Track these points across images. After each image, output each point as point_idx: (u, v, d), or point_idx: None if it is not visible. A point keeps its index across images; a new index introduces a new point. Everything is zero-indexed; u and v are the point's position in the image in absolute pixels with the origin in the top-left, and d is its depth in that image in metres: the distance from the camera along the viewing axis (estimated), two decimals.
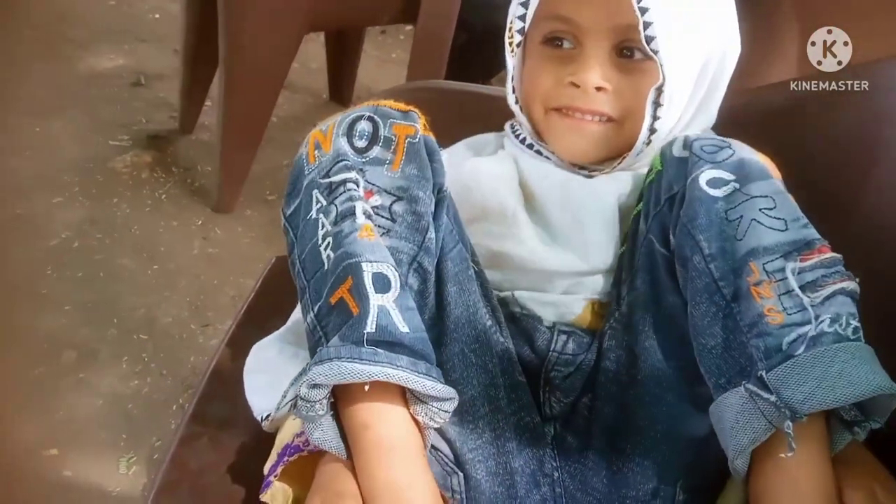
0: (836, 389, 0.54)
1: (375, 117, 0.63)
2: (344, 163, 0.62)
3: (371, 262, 0.58)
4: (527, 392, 0.68)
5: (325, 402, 0.57)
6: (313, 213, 0.62)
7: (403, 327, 0.57)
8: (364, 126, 0.63)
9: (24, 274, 1.55)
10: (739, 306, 0.59)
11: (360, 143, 0.63)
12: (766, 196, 0.61)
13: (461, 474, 0.65)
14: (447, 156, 0.82)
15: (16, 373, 1.36)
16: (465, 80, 1.09)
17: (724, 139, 0.65)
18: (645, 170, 0.73)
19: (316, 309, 0.59)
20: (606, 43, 0.70)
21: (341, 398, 0.59)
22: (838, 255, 0.59)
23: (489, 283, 0.69)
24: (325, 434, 0.58)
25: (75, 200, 1.76)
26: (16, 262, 1.58)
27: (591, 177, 0.74)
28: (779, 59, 1.02)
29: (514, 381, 0.68)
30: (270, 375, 0.70)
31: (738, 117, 0.75)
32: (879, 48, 0.83)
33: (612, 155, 0.74)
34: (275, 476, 0.63)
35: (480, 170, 0.75)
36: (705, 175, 0.62)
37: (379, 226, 0.61)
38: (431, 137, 0.65)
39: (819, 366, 0.54)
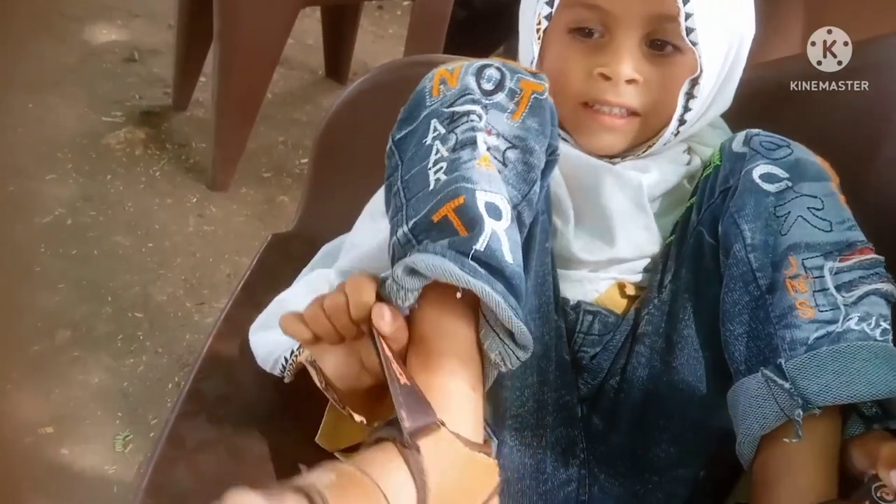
0: (853, 386, 0.54)
1: (504, 69, 0.63)
2: (470, 96, 0.61)
3: (486, 190, 0.57)
4: (570, 371, 0.68)
5: (414, 293, 0.55)
6: (428, 140, 0.61)
7: (509, 257, 0.56)
8: (493, 73, 0.63)
9: (17, 251, 1.54)
10: (773, 297, 0.59)
11: (488, 86, 0.62)
12: (815, 196, 0.61)
13: (496, 440, 0.64)
14: None
15: (10, 351, 1.34)
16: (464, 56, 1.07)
17: (785, 139, 0.65)
18: (675, 155, 0.72)
19: (411, 224, 0.58)
20: (637, 33, 0.67)
21: (415, 309, 0.57)
22: (880, 257, 0.60)
23: (556, 261, 0.69)
24: None
25: (69, 177, 1.74)
26: (9, 239, 1.56)
27: (613, 163, 0.72)
28: (782, 34, 1.01)
29: (561, 359, 0.67)
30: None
31: (744, 93, 0.74)
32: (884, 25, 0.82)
33: (636, 145, 0.72)
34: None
35: None
36: (759, 169, 0.63)
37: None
38: (554, 104, 0.64)
39: (839, 361, 0.55)
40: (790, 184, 0.62)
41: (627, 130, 0.70)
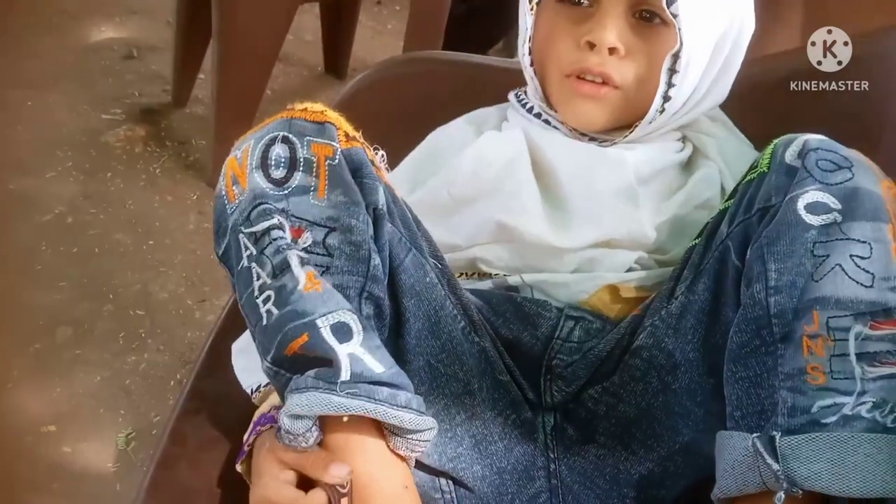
0: (846, 480, 0.50)
1: (291, 137, 0.58)
2: (263, 206, 0.57)
3: (325, 314, 0.55)
4: (511, 389, 0.66)
5: (311, 432, 0.55)
6: (245, 261, 0.57)
7: (378, 368, 0.55)
8: (279, 151, 0.58)
9: (18, 250, 1.54)
10: (785, 350, 0.54)
11: (279, 174, 0.57)
12: (864, 242, 0.53)
13: (448, 478, 0.64)
14: (448, 133, 0.81)
15: (12, 350, 1.35)
16: (463, 52, 1.07)
17: (849, 158, 0.57)
18: (667, 142, 0.72)
19: (270, 359, 0.57)
20: (623, 3, 0.68)
21: (325, 435, 0.57)
22: None
23: (455, 280, 0.66)
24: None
25: (69, 175, 1.74)
26: (10, 237, 1.57)
27: (603, 147, 0.72)
28: (782, 27, 1.01)
29: (494, 381, 0.65)
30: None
31: (744, 87, 0.74)
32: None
33: (622, 124, 0.72)
34: (248, 445, 0.63)
35: (491, 144, 0.74)
36: (808, 197, 0.55)
37: (317, 265, 0.57)
38: (356, 148, 0.59)
39: (838, 451, 0.50)
40: (839, 218, 0.54)
41: (608, 101, 0.70)
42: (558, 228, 0.69)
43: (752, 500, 0.54)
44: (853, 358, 0.52)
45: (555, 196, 0.71)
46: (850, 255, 0.53)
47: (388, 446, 0.57)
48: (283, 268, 0.56)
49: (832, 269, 0.53)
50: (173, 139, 1.92)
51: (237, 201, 0.58)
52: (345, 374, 0.54)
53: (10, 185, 1.69)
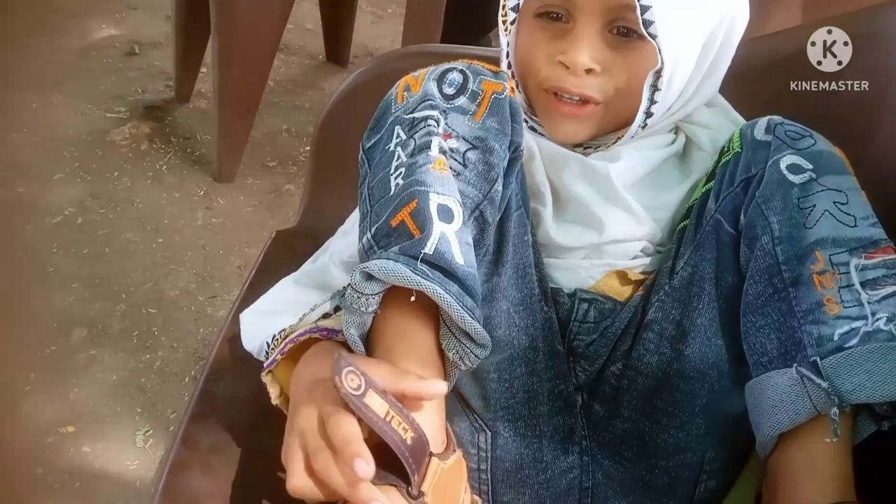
0: (886, 385, 0.55)
1: (467, 72, 0.64)
2: (429, 102, 0.63)
3: (439, 193, 0.58)
4: (564, 362, 0.69)
5: (375, 298, 0.57)
6: (391, 146, 0.62)
7: (459, 258, 0.57)
8: (455, 76, 0.64)
9: (29, 252, 1.56)
10: (797, 291, 0.60)
11: (449, 90, 0.64)
12: (839, 190, 0.62)
13: (489, 433, 0.66)
14: None
15: (29, 352, 1.37)
16: (463, 37, 1.07)
17: (807, 129, 0.66)
18: (658, 137, 0.72)
19: (374, 230, 0.59)
20: (599, 20, 0.67)
21: (378, 318, 0.58)
22: None
23: (541, 255, 0.69)
24: (353, 337, 0.58)
25: (76, 176, 1.76)
26: (21, 240, 1.58)
27: (586, 154, 0.72)
28: (779, 6, 0.99)
29: (553, 349, 0.68)
30: (280, 314, 0.70)
31: (739, 68, 0.73)
32: None
33: (606, 132, 0.72)
34: (282, 354, 0.63)
35: None
36: (787, 160, 0.63)
37: (450, 167, 0.61)
38: (517, 100, 0.65)
39: (872, 361, 0.56)
40: (814, 175, 0.62)
41: (590, 118, 0.70)
42: (563, 228, 0.70)
43: (801, 434, 0.58)
44: (858, 286, 0.59)
45: (556, 198, 0.71)
46: (833, 202, 0.61)
47: (439, 346, 0.58)
48: (422, 148, 0.60)
49: (822, 215, 0.61)
50: (178, 135, 1.93)
51: (405, 101, 0.64)
52: (429, 248, 0.56)
53: (19, 188, 1.70)
